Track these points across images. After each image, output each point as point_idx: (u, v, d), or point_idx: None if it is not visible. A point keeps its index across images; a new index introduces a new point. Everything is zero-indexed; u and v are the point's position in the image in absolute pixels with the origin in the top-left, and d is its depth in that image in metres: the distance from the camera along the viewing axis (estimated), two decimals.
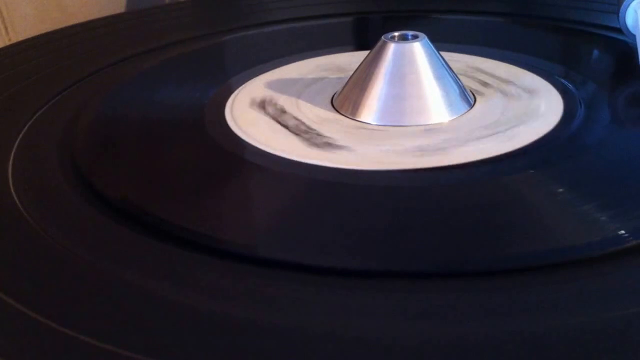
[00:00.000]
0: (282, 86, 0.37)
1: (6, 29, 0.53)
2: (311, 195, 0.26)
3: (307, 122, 0.32)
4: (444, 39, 0.40)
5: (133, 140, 0.32)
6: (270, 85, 0.38)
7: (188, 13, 0.56)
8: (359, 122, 0.32)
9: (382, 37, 0.33)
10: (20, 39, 0.49)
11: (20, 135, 0.32)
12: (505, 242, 0.23)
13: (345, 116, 0.33)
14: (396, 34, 0.34)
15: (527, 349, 0.17)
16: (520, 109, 0.33)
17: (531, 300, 0.19)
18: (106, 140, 0.32)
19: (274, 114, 0.34)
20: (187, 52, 0.43)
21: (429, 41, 0.33)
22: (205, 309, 0.19)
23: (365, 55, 0.34)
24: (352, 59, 0.39)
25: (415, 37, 0.33)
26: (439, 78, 0.32)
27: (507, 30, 0.47)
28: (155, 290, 0.20)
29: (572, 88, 0.35)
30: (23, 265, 0.22)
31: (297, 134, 0.31)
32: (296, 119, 0.33)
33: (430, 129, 0.31)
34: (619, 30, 0.39)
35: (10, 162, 0.29)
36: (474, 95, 0.35)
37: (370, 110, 0.32)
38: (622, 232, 0.22)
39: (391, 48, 0.33)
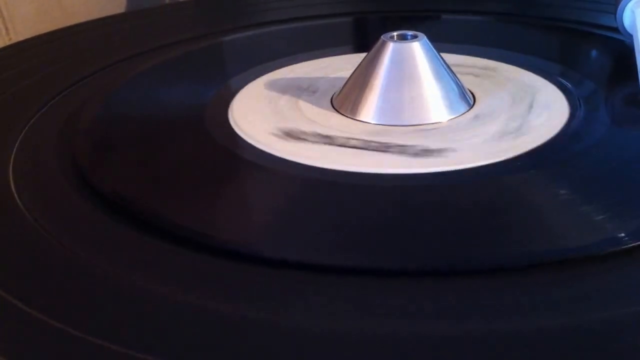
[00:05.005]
0: (281, 86, 0.37)
1: (6, 29, 0.53)
2: (312, 194, 0.26)
3: (306, 122, 0.32)
4: (443, 39, 0.40)
5: (133, 140, 0.32)
6: (270, 85, 0.38)
7: (188, 13, 0.56)
8: (358, 122, 0.32)
9: (382, 37, 0.34)
10: (20, 39, 0.49)
11: (21, 135, 0.32)
12: (504, 242, 0.23)
13: (345, 116, 0.33)
14: (395, 33, 0.34)
15: (527, 349, 0.17)
16: (520, 108, 0.33)
17: (530, 300, 0.19)
18: (106, 140, 0.32)
19: (274, 113, 0.34)
20: (187, 52, 0.43)
21: (428, 41, 0.33)
22: (206, 309, 0.19)
23: (364, 55, 0.34)
24: (352, 59, 0.40)
25: (414, 37, 0.34)
26: (438, 78, 0.32)
27: (506, 30, 0.46)
28: (155, 290, 0.20)
29: (572, 88, 0.35)
30: (23, 265, 0.22)
31: (296, 134, 0.31)
32: (296, 119, 0.33)
33: (429, 129, 0.31)
34: (618, 30, 0.39)
35: (11, 162, 0.29)
36: (473, 95, 0.35)
37: (370, 109, 0.32)
38: (622, 233, 0.22)
39: (390, 48, 0.33)
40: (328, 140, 0.30)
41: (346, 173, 0.28)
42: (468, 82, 0.36)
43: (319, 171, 0.28)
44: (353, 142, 0.30)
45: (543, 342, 0.17)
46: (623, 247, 0.21)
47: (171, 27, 0.50)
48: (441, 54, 0.34)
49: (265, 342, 0.18)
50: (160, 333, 0.18)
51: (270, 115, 0.33)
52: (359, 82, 0.33)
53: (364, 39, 0.47)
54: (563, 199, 0.25)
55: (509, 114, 0.32)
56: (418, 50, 0.33)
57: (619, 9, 0.37)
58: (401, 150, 0.29)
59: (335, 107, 0.34)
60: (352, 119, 0.33)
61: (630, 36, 0.37)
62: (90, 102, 0.35)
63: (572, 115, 0.32)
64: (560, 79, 0.36)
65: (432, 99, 0.32)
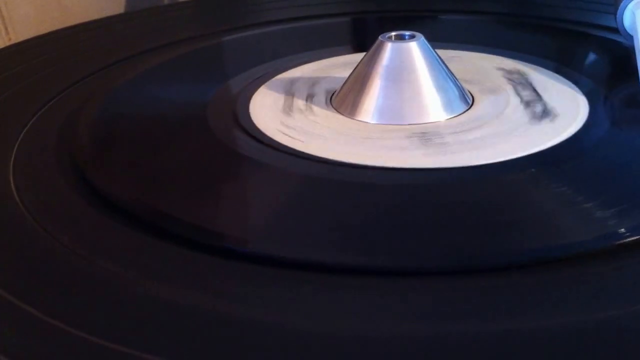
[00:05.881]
0: (281, 86, 0.37)
1: (6, 29, 0.53)
2: (311, 193, 0.26)
3: (306, 122, 0.33)
4: (441, 39, 0.40)
5: (133, 140, 0.32)
6: (270, 85, 0.38)
7: (188, 13, 0.56)
8: (357, 121, 0.32)
9: (380, 37, 0.34)
10: (20, 39, 0.49)
11: (21, 135, 0.32)
12: (504, 240, 0.23)
13: (344, 115, 0.33)
14: (393, 33, 0.34)
15: (526, 348, 0.17)
16: (519, 108, 0.33)
17: (530, 299, 0.19)
18: (106, 140, 0.32)
19: (273, 113, 0.34)
20: (187, 52, 0.43)
21: (425, 41, 0.33)
22: (206, 309, 0.19)
23: (363, 55, 0.34)
24: (350, 59, 0.40)
25: (412, 37, 0.34)
26: (436, 77, 0.33)
27: (505, 30, 0.46)
28: (155, 290, 0.20)
29: (573, 88, 0.35)
30: (23, 265, 0.22)
31: (296, 134, 0.31)
32: (295, 118, 0.33)
33: (428, 128, 0.31)
34: (618, 31, 0.39)
35: (11, 162, 0.29)
36: (471, 94, 0.35)
37: (368, 109, 0.32)
38: (622, 230, 0.22)
39: (388, 48, 0.33)
40: (327, 140, 0.30)
41: (347, 172, 0.28)
42: (467, 82, 0.36)
43: (322, 169, 0.28)
44: (351, 142, 0.30)
45: (543, 342, 0.18)
46: (623, 246, 0.22)
47: (171, 27, 0.50)
48: (439, 53, 0.34)
49: (265, 342, 0.18)
50: (160, 333, 0.18)
51: (270, 115, 0.33)
52: (358, 82, 0.33)
53: (363, 39, 0.47)
54: (563, 198, 0.25)
55: (507, 114, 0.32)
56: (416, 50, 0.33)
57: (619, 9, 0.37)
58: (399, 149, 0.29)
59: (334, 106, 0.34)
60: (350, 118, 0.33)
61: (631, 37, 0.37)
62: (91, 102, 0.35)
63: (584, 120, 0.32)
64: (560, 79, 0.36)
65: (430, 99, 0.32)
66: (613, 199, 0.24)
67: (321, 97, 0.35)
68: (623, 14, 0.37)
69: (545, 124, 0.31)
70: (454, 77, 0.34)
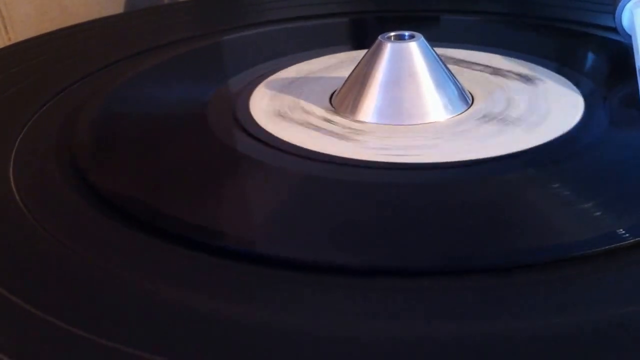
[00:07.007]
0: (281, 85, 0.37)
1: (6, 29, 0.53)
2: (311, 193, 0.26)
3: (306, 122, 0.33)
4: (441, 39, 0.40)
5: (133, 140, 0.32)
6: (270, 84, 0.38)
7: (188, 13, 0.56)
8: (357, 121, 0.32)
9: (379, 37, 0.34)
10: (20, 39, 0.49)
11: (21, 135, 0.32)
12: (503, 241, 0.23)
13: (344, 115, 0.33)
14: (393, 34, 0.34)
15: (525, 348, 0.17)
16: (519, 108, 0.33)
17: (529, 300, 0.19)
18: (106, 140, 0.32)
19: (274, 113, 0.34)
20: (187, 52, 0.43)
21: (425, 41, 0.33)
22: (205, 309, 0.19)
23: (362, 55, 0.34)
24: (350, 59, 0.40)
25: (411, 37, 0.34)
26: (435, 77, 0.33)
27: (505, 31, 0.47)
28: (155, 290, 0.20)
29: (571, 87, 0.35)
30: (23, 264, 0.22)
31: (296, 134, 0.31)
32: (295, 118, 0.33)
33: (428, 128, 0.31)
34: (617, 30, 0.39)
35: (11, 162, 0.29)
36: (471, 94, 0.35)
37: (368, 109, 0.32)
38: (621, 230, 0.22)
39: (388, 48, 0.33)
40: (326, 140, 0.31)
41: (347, 172, 0.28)
42: (466, 82, 0.36)
43: (321, 168, 0.28)
44: (351, 142, 0.30)
45: (543, 342, 0.18)
46: (622, 247, 0.22)
47: (171, 27, 0.50)
48: (438, 53, 0.34)
49: (265, 342, 0.18)
50: (160, 333, 0.18)
51: (270, 115, 0.33)
52: (358, 82, 0.33)
53: (363, 39, 0.47)
54: (561, 199, 0.25)
55: (507, 114, 0.32)
56: (415, 50, 0.33)
57: (617, 9, 0.37)
58: (399, 149, 0.29)
59: (334, 106, 0.34)
60: (351, 118, 0.33)
61: (629, 36, 0.37)
62: (90, 101, 0.35)
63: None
64: (559, 79, 0.36)
65: (430, 99, 0.32)
66: (612, 199, 0.24)
67: (321, 96, 0.35)
68: (622, 13, 0.37)
69: (542, 122, 0.31)
70: (454, 77, 0.34)
